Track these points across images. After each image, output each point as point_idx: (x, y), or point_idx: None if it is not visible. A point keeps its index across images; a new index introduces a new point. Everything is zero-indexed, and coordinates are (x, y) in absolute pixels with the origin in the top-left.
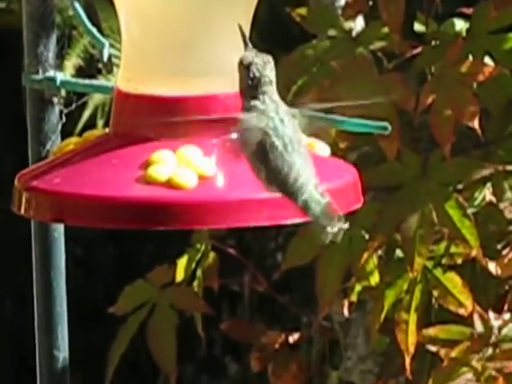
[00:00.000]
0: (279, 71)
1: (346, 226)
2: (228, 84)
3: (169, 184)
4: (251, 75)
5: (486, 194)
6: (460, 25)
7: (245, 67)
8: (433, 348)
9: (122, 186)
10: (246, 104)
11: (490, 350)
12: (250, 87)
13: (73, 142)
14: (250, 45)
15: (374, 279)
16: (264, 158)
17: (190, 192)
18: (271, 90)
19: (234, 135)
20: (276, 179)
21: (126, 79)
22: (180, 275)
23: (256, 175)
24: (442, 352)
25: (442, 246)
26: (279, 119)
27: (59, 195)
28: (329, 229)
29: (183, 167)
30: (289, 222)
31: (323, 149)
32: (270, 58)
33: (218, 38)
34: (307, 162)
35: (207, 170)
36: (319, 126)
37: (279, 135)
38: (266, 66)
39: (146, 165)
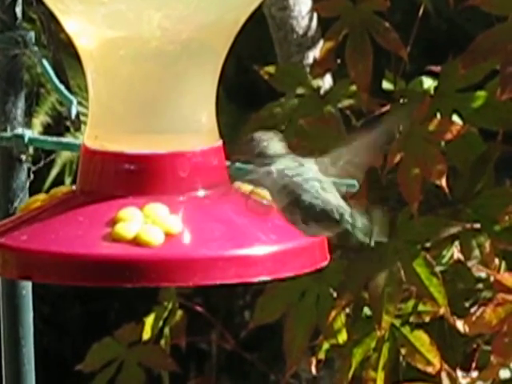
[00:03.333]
0: (247, 129)
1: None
2: (195, 142)
3: (135, 241)
4: (256, 146)
5: (454, 252)
6: (428, 83)
7: (247, 143)
8: None
9: (89, 243)
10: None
11: None
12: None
13: (40, 199)
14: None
15: (342, 337)
16: (296, 200)
17: (157, 249)
18: (282, 149)
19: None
20: (312, 217)
21: (93, 136)
22: (147, 333)
23: (291, 221)
24: None
25: (410, 304)
26: (300, 165)
27: (26, 252)
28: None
29: (150, 224)
30: (256, 279)
31: None
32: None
33: (186, 96)
34: (336, 195)
35: (174, 227)
36: None
37: (304, 178)
38: (265, 136)
39: (113, 222)
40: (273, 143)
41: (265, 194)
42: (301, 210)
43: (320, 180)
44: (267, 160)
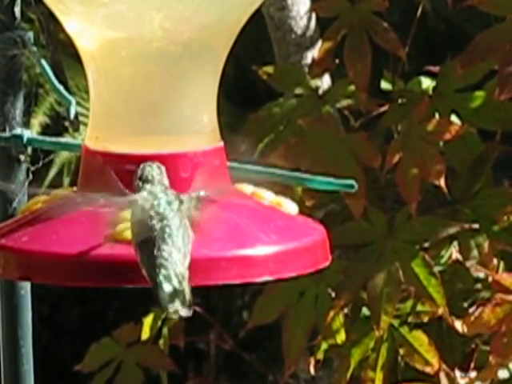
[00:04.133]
0: (245, 128)
1: (190, 312)
2: (196, 142)
3: None
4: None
5: (453, 252)
6: (427, 83)
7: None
8: None
9: (91, 244)
10: (137, 188)
11: None
12: (140, 180)
13: (41, 200)
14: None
15: (341, 337)
16: (142, 240)
17: None
18: (161, 180)
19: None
20: (146, 262)
21: (93, 137)
22: (146, 333)
23: (136, 254)
24: None
25: (409, 304)
26: (166, 200)
27: (27, 253)
28: (170, 309)
29: None
30: (258, 280)
31: (291, 207)
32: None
33: (187, 96)
34: (181, 250)
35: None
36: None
37: (160, 218)
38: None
39: (115, 223)
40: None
41: (266, 195)
42: (140, 251)
43: (170, 224)
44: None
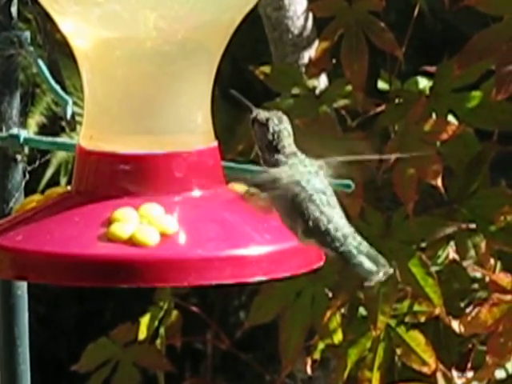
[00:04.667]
0: (242, 129)
1: (391, 270)
2: (191, 142)
3: (131, 241)
4: (271, 130)
5: (450, 252)
6: (423, 83)
7: (261, 124)
8: None
9: (85, 243)
10: (270, 160)
11: None
12: (271, 143)
13: (35, 199)
14: (253, 107)
15: (337, 337)
16: (301, 212)
17: (153, 249)
18: (292, 144)
19: (265, 191)
20: (315, 232)
21: (88, 137)
22: (143, 333)
23: (291, 228)
24: None
25: (406, 304)
26: (308, 171)
27: (21, 253)
28: (374, 275)
29: (145, 225)
30: (252, 280)
31: None
32: (281, 113)
33: (181, 96)
34: (341, 214)
35: (169, 227)
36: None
37: (313, 188)
38: (282, 120)
39: (109, 222)
40: (285, 135)
41: (259, 194)
42: (304, 222)
43: (325, 192)
44: (278, 157)
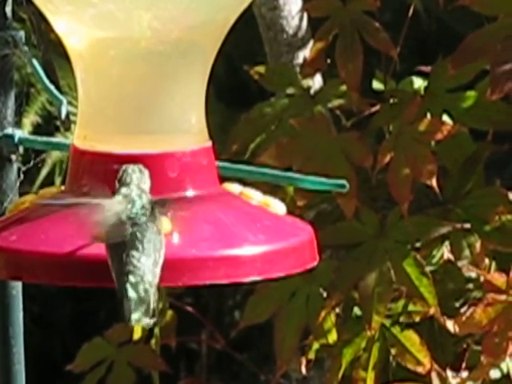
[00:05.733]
0: (237, 129)
1: (151, 323)
2: (185, 142)
3: None
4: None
5: (444, 252)
6: (418, 83)
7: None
8: None
9: (78, 243)
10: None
11: None
12: (119, 182)
13: (28, 199)
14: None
15: (332, 337)
16: (111, 245)
17: None
18: (139, 183)
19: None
20: (114, 265)
21: (82, 137)
22: (137, 333)
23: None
24: None
25: (400, 304)
26: (140, 205)
27: (16, 253)
28: (131, 318)
29: None
30: (246, 279)
31: (279, 207)
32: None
33: (175, 96)
34: (151, 257)
35: (163, 227)
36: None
37: (132, 222)
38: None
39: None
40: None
41: (254, 194)
42: (109, 255)
43: (142, 230)
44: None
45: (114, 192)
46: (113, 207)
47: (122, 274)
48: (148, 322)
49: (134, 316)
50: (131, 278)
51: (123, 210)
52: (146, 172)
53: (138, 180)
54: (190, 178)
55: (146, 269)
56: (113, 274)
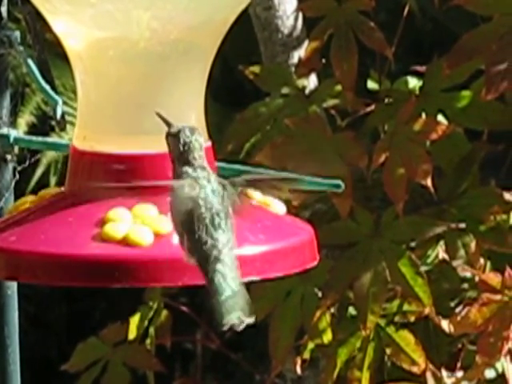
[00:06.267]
0: (232, 128)
1: (250, 320)
2: None
3: (125, 242)
4: (181, 141)
5: (439, 251)
6: (413, 82)
7: (173, 136)
8: None
9: (78, 243)
10: (178, 170)
11: None
12: (181, 154)
13: (28, 200)
14: (172, 123)
15: (327, 337)
16: (190, 228)
17: (146, 249)
18: (202, 157)
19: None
20: (197, 252)
21: (81, 137)
22: (132, 333)
23: (180, 243)
24: None
25: (395, 303)
26: (211, 189)
27: (15, 253)
28: (224, 319)
29: (139, 225)
30: (245, 279)
31: (279, 207)
32: (195, 127)
33: (175, 96)
34: (230, 239)
35: (163, 227)
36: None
37: (208, 207)
38: (194, 132)
39: (102, 222)
40: (195, 146)
41: (254, 194)
42: (189, 240)
43: (220, 214)
44: (185, 169)
45: (175, 164)
46: (184, 191)
47: (208, 261)
48: (245, 319)
49: (230, 317)
50: (219, 267)
51: (196, 195)
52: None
53: (200, 151)
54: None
55: (228, 250)
56: (195, 260)
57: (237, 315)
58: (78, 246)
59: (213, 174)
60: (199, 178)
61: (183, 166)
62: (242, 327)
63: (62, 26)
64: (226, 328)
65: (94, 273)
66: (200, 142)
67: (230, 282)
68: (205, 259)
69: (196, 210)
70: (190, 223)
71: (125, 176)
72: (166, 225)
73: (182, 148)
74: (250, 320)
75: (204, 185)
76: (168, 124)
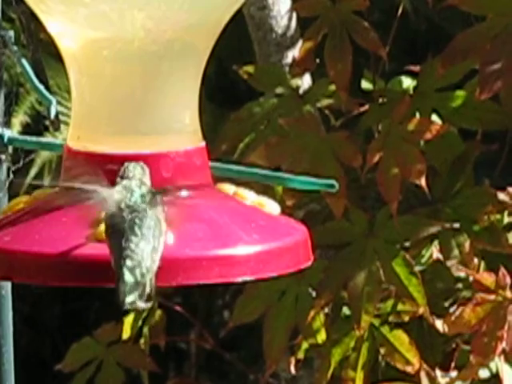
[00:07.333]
0: (226, 128)
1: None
2: (178, 142)
3: None
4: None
5: (433, 251)
6: (407, 82)
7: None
8: None
9: (73, 243)
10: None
11: None
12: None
13: (23, 200)
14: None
15: (321, 337)
16: (112, 233)
17: None
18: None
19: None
20: (114, 254)
21: (75, 137)
22: (127, 333)
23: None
24: None
25: (389, 303)
26: (139, 194)
27: (9, 253)
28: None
29: None
30: (239, 279)
31: (273, 207)
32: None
33: (169, 96)
34: (155, 248)
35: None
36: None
37: (132, 212)
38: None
39: (96, 223)
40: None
41: (248, 195)
42: (110, 243)
43: (143, 219)
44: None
45: (113, 184)
46: (112, 196)
47: (120, 258)
48: (142, 305)
49: (129, 299)
50: (128, 262)
51: (122, 199)
52: (147, 169)
53: (140, 175)
54: (183, 178)
55: (145, 254)
56: (112, 259)
57: (133, 299)
58: (72, 245)
59: (146, 185)
60: (130, 186)
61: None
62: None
63: (56, 26)
64: (125, 306)
65: (88, 273)
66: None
67: (136, 273)
68: (118, 258)
69: (119, 214)
70: (112, 226)
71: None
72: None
73: (121, 176)
74: (145, 305)
75: (134, 190)
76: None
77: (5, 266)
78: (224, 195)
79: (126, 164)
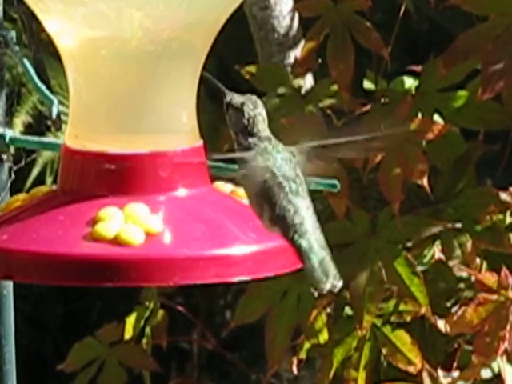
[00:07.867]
0: (227, 129)
1: (340, 284)
2: (176, 141)
3: (116, 241)
4: (245, 116)
5: (435, 251)
6: (409, 82)
7: (236, 108)
8: None
9: (70, 243)
10: (244, 143)
11: None
12: (245, 127)
13: (20, 198)
14: (227, 91)
15: (323, 337)
16: (270, 198)
17: (138, 249)
18: (266, 129)
19: (239, 174)
20: (281, 221)
21: (73, 136)
22: (129, 333)
23: (258, 215)
24: None
25: (391, 303)
26: (281, 158)
27: (7, 252)
28: (321, 283)
29: (130, 224)
30: (236, 279)
31: None
32: (255, 97)
33: (166, 95)
34: (309, 205)
35: (154, 226)
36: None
37: (284, 175)
38: (257, 104)
39: (94, 222)
40: (259, 120)
41: (244, 194)
42: (271, 210)
43: (296, 181)
44: (252, 140)
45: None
46: (257, 163)
47: (291, 230)
48: (334, 282)
49: (319, 282)
50: (303, 232)
51: (270, 165)
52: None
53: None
54: (181, 177)
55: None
56: (281, 231)
57: (331, 279)
58: (69, 245)
59: (279, 143)
60: (268, 148)
61: (249, 138)
62: (336, 290)
63: (54, 24)
64: (324, 292)
65: (85, 272)
66: (263, 114)
67: (316, 246)
68: (289, 227)
69: (273, 179)
70: (268, 193)
71: (116, 175)
72: (157, 224)
73: (246, 122)
74: (340, 283)
75: (274, 154)
76: (223, 92)
77: (3, 265)
78: (221, 194)
79: (245, 107)
